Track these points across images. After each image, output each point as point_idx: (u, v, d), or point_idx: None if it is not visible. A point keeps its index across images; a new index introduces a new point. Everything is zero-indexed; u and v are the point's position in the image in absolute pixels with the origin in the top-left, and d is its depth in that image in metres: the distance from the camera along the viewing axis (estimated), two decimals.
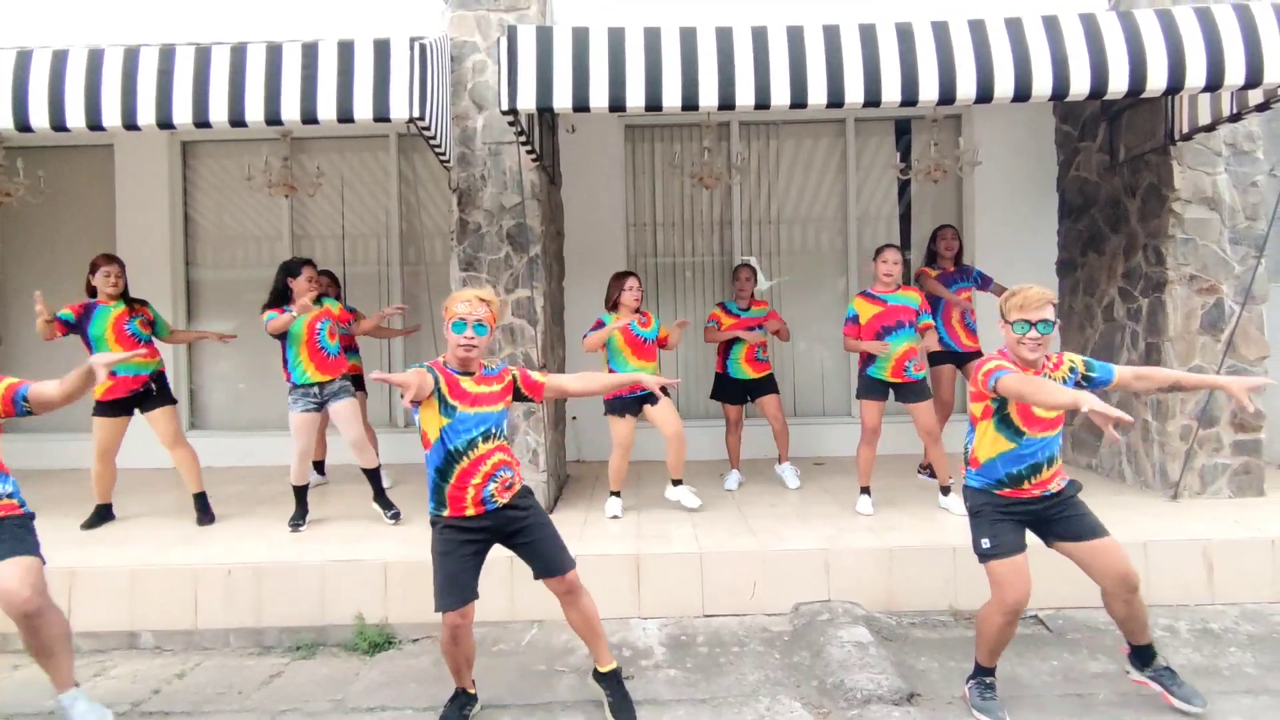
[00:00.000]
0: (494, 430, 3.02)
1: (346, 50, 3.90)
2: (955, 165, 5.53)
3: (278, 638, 4.05)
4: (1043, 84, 3.88)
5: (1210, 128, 4.57)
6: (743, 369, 5.54)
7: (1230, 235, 4.99)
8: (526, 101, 3.87)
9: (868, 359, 4.86)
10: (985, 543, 3.06)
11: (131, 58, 3.99)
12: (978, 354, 5.37)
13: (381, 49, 3.90)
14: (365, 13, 5.07)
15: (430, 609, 4.15)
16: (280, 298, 4.75)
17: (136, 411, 4.93)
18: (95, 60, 4.01)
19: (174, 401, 5.05)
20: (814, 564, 4.15)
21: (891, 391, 4.85)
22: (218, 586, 4.07)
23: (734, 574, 4.14)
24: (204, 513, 4.96)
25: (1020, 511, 3.08)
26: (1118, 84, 3.87)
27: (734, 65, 3.87)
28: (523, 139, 4.47)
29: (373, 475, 4.94)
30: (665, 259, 7.03)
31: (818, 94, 3.91)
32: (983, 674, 3.19)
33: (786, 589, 4.13)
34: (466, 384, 2.99)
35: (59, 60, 4.03)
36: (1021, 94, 3.89)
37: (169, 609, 4.07)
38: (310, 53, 3.89)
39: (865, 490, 4.87)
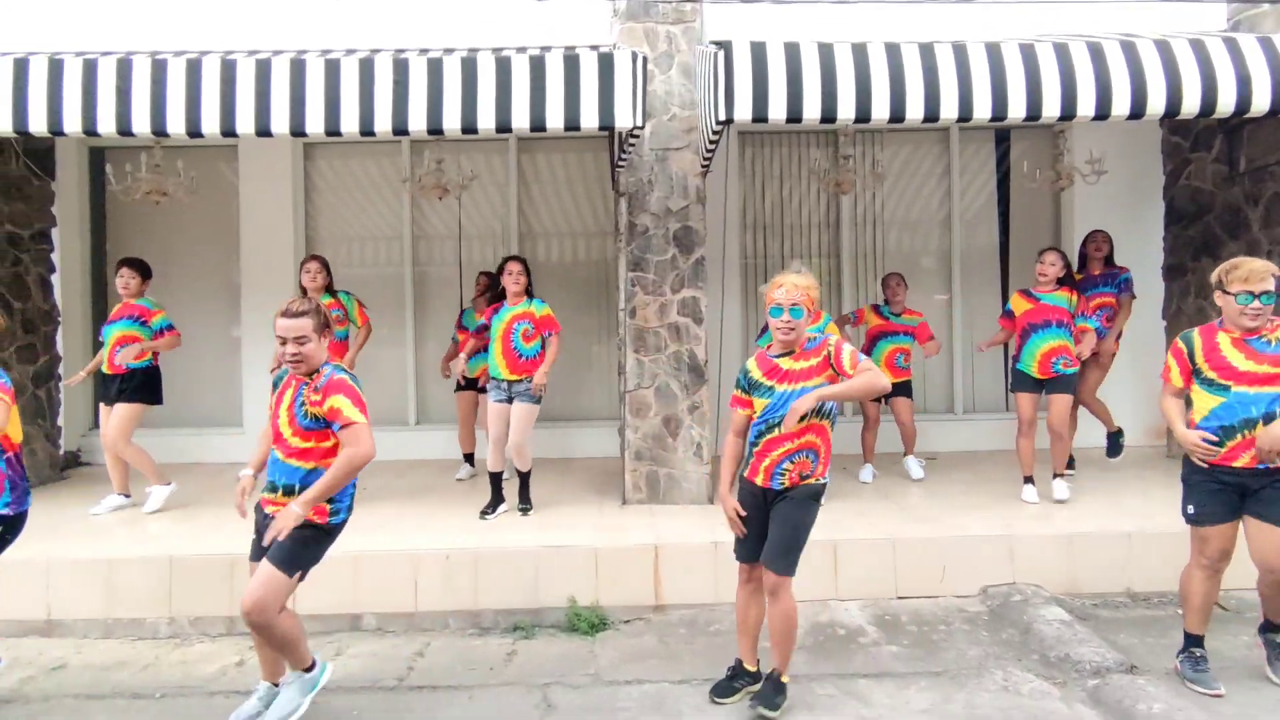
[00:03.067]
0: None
1: (572, 62, 4.11)
2: (1082, 173, 5.81)
3: (494, 619, 4.25)
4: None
5: None
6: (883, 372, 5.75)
7: None
8: (743, 113, 4.10)
9: (1018, 353, 5.14)
10: (1190, 509, 3.31)
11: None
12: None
13: (605, 61, 4.11)
14: (538, 23, 5.28)
15: (638, 592, 4.38)
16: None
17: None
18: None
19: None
20: (997, 549, 4.41)
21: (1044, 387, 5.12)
22: (436, 571, 4.26)
23: (922, 558, 4.39)
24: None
25: (1231, 480, 3.19)
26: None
27: (938, 80, 4.12)
28: (711, 148, 4.69)
29: (524, 477, 5.14)
30: (774, 259, 7.26)
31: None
32: (1192, 645, 3.42)
33: (970, 572, 4.38)
34: (785, 363, 3.15)
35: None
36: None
37: (390, 592, 4.27)
38: (539, 64, 4.09)
39: (1029, 480, 5.12)
